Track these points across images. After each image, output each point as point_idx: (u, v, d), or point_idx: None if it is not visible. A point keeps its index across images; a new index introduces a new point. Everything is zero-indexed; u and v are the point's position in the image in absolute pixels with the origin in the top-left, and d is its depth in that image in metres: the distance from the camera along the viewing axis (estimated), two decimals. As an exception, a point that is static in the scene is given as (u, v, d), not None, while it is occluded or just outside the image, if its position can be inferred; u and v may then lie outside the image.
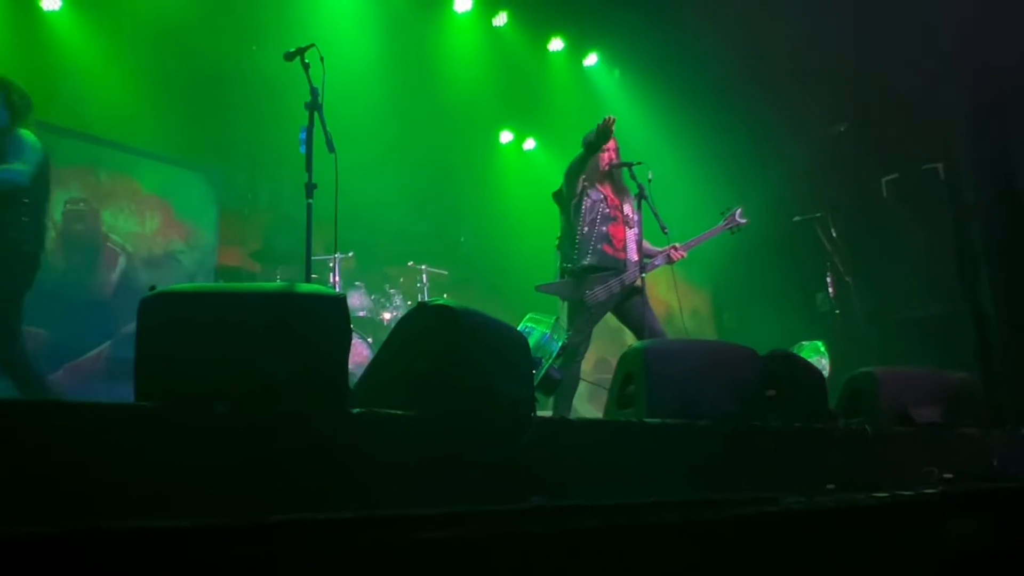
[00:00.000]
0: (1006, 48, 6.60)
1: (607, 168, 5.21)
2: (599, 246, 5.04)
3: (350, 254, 6.92)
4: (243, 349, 2.17)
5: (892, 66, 7.00)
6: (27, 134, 4.30)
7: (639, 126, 8.60)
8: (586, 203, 5.11)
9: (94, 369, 6.19)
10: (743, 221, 5.41)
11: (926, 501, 2.79)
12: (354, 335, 4.42)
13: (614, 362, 3.64)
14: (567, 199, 5.20)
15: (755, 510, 2.34)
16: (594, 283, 4.97)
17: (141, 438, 1.87)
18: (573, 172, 5.15)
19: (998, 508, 3.03)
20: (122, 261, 6.61)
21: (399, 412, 2.28)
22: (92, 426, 1.83)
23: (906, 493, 2.80)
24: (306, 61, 4.11)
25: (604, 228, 5.09)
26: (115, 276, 6.58)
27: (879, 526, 2.63)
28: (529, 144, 9.61)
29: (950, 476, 3.54)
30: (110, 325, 6.31)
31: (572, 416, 4.77)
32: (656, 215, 4.97)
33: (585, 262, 4.99)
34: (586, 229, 5.05)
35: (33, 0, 6.50)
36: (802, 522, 2.41)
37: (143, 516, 1.54)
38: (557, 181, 5.40)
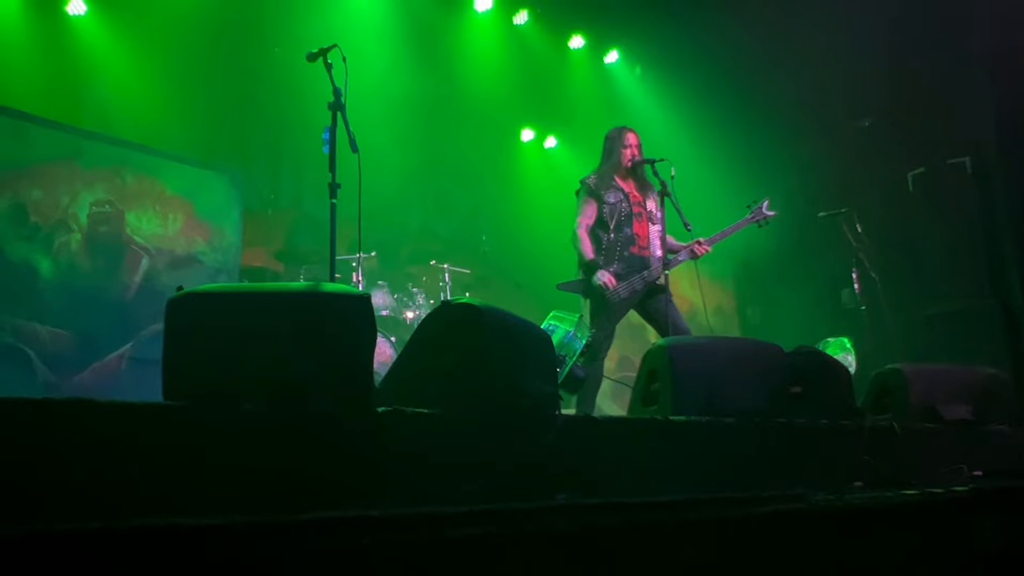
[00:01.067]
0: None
1: (630, 165, 5.19)
2: (626, 251, 5.04)
3: (373, 253, 6.94)
4: (269, 349, 2.19)
5: (919, 60, 6.93)
6: None
7: (661, 122, 8.57)
8: (606, 209, 5.10)
9: (117, 369, 6.26)
10: (770, 214, 5.32)
11: (956, 499, 2.75)
12: (377, 334, 4.44)
13: (637, 360, 3.63)
14: None
15: (782, 508, 2.32)
16: (602, 265, 4.96)
17: (169, 437, 1.88)
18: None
19: (1029, 505, 2.99)
20: (145, 262, 6.67)
21: (424, 411, 2.29)
22: (121, 426, 1.85)
23: (936, 491, 2.77)
24: (329, 62, 4.13)
25: (628, 230, 5.07)
26: (138, 277, 6.64)
27: (908, 524, 2.60)
28: (550, 142, 9.61)
29: (979, 474, 3.50)
30: (133, 326, 6.38)
31: (596, 414, 4.76)
32: (679, 212, 4.93)
33: (612, 269, 4.98)
34: (612, 235, 5.05)
35: (59, 5, 6.58)
36: (830, 520, 2.39)
37: (171, 514, 1.55)
38: (578, 179, 5.39)
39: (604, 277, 4.92)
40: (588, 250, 5.04)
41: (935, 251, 7.14)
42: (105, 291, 6.43)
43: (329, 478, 2.03)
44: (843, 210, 6.81)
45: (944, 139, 7.14)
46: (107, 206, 6.51)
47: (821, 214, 6.96)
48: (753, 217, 5.33)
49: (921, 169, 7.35)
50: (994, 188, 7.02)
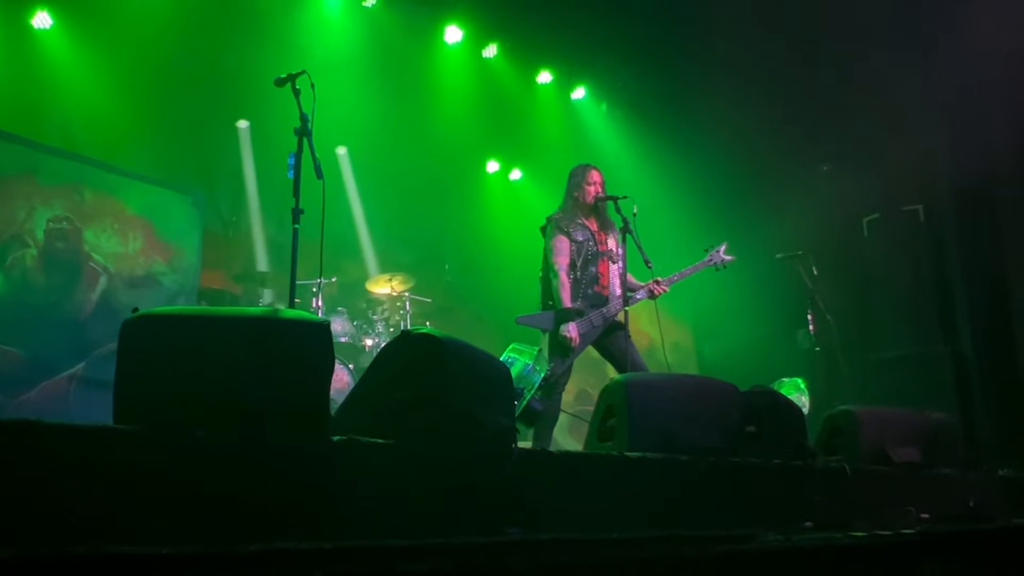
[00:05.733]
0: (989, 94, 6.74)
1: (593, 202, 5.23)
2: (589, 290, 5.07)
3: (333, 279, 6.90)
4: (225, 374, 2.17)
5: (874, 108, 7.12)
6: None
7: (625, 159, 8.69)
8: (573, 248, 5.12)
9: (67, 390, 6.11)
10: (728, 259, 5.40)
11: (903, 541, 2.80)
12: (335, 361, 4.40)
13: (595, 394, 3.64)
14: None
15: (733, 547, 2.34)
16: (575, 316, 4.98)
17: (119, 461, 1.85)
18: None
19: (974, 549, 3.04)
20: (103, 281, 6.55)
21: (380, 441, 2.28)
22: (69, 448, 1.81)
23: (884, 533, 2.81)
24: (297, 87, 4.13)
25: (593, 268, 5.10)
26: (95, 296, 6.52)
27: (856, 565, 2.64)
28: (515, 174, 9.67)
29: (927, 516, 3.56)
30: (87, 345, 6.24)
31: (552, 448, 4.76)
32: (640, 249, 4.98)
33: (574, 305, 5.00)
34: (579, 274, 5.08)
35: (24, 18, 6.50)
36: (779, 560, 2.41)
37: (119, 541, 1.52)
38: (542, 211, 5.43)
39: (572, 332, 4.92)
40: (567, 298, 5.01)
41: (888, 296, 7.31)
42: (59, 309, 6.29)
43: (282, 507, 2.01)
44: (799, 252, 6.93)
45: (898, 186, 7.33)
46: (64, 223, 6.39)
47: (778, 256, 7.07)
48: (710, 260, 5.40)
49: (876, 215, 7.53)
50: (946, 236, 7.22)
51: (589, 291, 5.07)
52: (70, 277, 6.40)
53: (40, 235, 6.26)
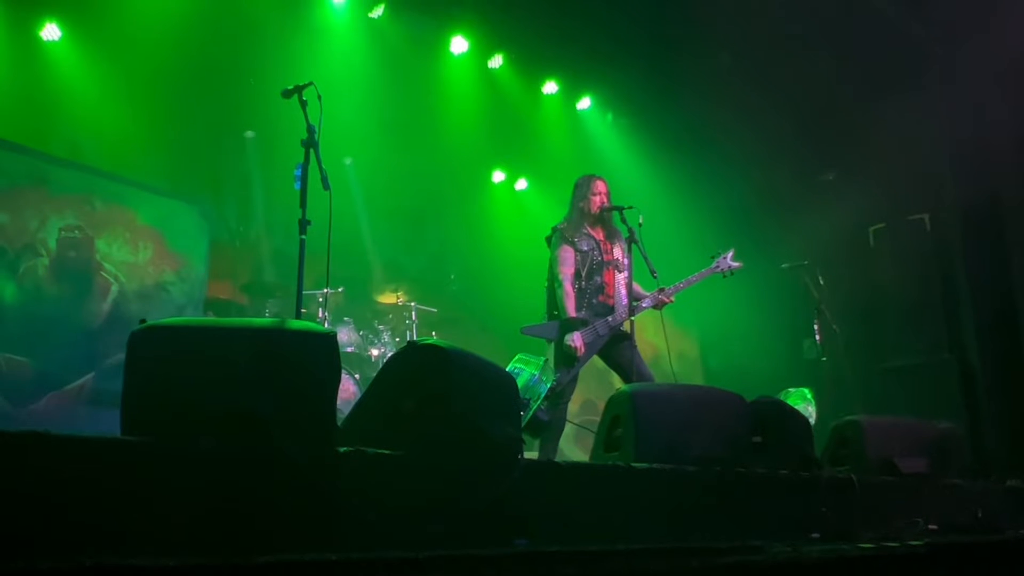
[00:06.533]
0: (994, 104, 6.73)
1: (598, 212, 5.24)
2: (595, 299, 5.07)
3: (340, 289, 6.91)
4: (232, 385, 2.17)
5: (880, 117, 7.12)
6: None
7: (631, 169, 8.69)
8: (578, 257, 5.13)
9: (77, 400, 6.11)
10: (735, 265, 5.38)
11: (911, 552, 2.79)
12: (342, 371, 4.39)
13: (601, 404, 3.64)
14: None
15: (741, 559, 2.33)
16: (580, 325, 4.98)
17: (127, 472, 1.86)
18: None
19: (983, 560, 3.03)
20: (114, 290, 6.57)
21: (386, 452, 2.28)
22: (77, 459, 1.82)
23: (891, 544, 2.80)
24: (304, 99, 4.15)
25: (599, 278, 5.11)
26: (106, 306, 6.53)
27: (864, 577, 2.63)
28: (521, 184, 9.68)
29: (935, 527, 3.55)
30: (97, 355, 6.26)
31: (558, 458, 4.75)
32: (646, 259, 4.98)
33: (579, 315, 5.01)
34: (584, 284, 5.08)
35: (33, 30, 6.55)
36: (787, 572, 2.40)
37: (126, 552, 1.53)
38: (548, 221, 5.43)
39: (577, 341, 4.93)
40: (572, 307, 5.01)
41: (894, 305, 7.29)
42: (71, 318, 6.29)
43: (288, 519, 2.01)
44: (805, 262, 6.91)
45: (904, 196, 7.32)
46: (76, 231, 6.41)
47: (784, 265, 7.06)
48: (716, 267, 5.38)
49: (881, 224, 7.52)
50: (952, 244, 7.20)
51: (594, 300, 5.07)
52: (82, 286, 6.41)
53: (52, 244, 6.28)
